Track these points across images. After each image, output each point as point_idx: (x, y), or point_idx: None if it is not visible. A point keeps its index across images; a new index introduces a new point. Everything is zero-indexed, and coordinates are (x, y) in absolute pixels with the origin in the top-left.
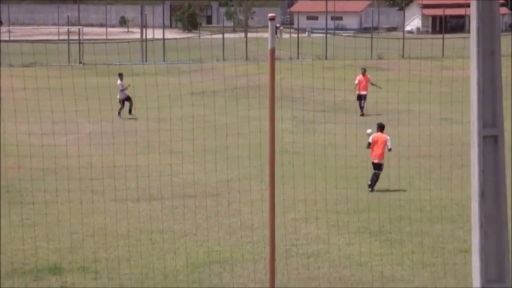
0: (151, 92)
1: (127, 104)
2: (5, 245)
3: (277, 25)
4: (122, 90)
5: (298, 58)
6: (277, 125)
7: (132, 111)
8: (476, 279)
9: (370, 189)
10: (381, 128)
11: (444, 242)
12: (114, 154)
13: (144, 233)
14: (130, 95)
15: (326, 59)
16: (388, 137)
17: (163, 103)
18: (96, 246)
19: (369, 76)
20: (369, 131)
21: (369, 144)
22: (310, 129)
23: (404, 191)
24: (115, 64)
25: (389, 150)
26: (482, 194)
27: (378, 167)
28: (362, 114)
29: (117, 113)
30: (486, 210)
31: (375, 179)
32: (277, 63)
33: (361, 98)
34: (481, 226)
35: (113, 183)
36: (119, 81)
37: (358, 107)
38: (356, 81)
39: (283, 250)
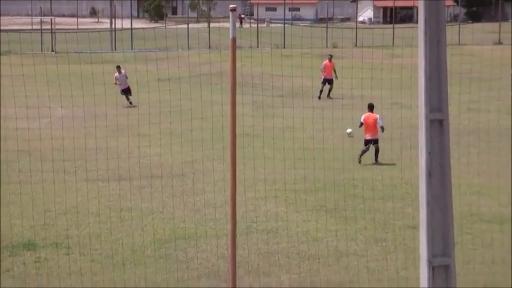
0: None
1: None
2: None
3: (242, 15)
4: (119, 84)
5: (258, 47)
6: (238, 109)
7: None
8: (423, 253)
9: (359, 160)
10: (370, 108)
11: (394, 218)
12: (85, 137)
13: (114, 211)
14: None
15: (284, 47)
16: (378, 116)
17: (131, 89)
18: (69, 223)
19: (333, 62)
20: (348, 130)
21: (361, 124)
22: (269, 114)
23: (357, 170)
24: (86, 52)
25: (382, 128)
26: (429, 174)
27: (371, 142)
28: (319, 97)
29: (129, 103)
30: (432, 189)
31: (365, 150)
32: (238, 51)
33: (325, 82)
34: (428, 204)
35: (84, 165)
36: (117, 74)
37: (319, 91)
38: (322, 67)
39: (244, 227)
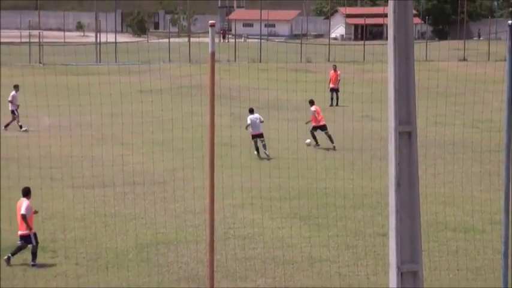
0: (104, 90)
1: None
2: None
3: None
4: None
5: (235, 61)
6: (216, 120)
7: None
8: (392, 259)
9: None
10: (311, 102)
11: (365, 226)
12: (71, 145)
13: (98, 217)
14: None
15: (260, 62)
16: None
17: (115, 99)
18: (54, 228)
19: (339, 72)
20: (307, 141)
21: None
22: (246, 125)
23: (329, 180)
24: (72, 64)
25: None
26: (398, 184)
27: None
28: (331, 105)
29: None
30: (401, 198)
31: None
32: (217, 65)
33: (332, 91)
34: (397, 212)
35: (70, 172)
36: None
37: (329, 98)
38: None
39: (222, 233)
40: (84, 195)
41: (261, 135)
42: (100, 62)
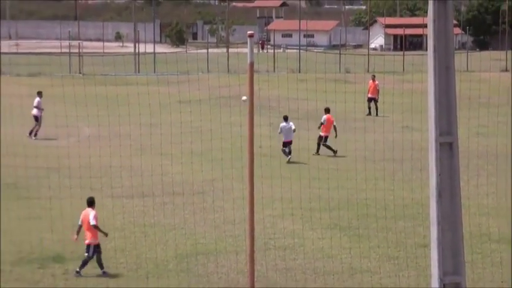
0: (143, 100)
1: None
2: (15, 236)
3: (264, 40)
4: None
5: (274, 71)
6: (256, 130)
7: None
8: (434, 271)
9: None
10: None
11: (406, 237)
12: (111, 155)
13: (138, 226)
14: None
15: (299, 72)
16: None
17: (154, 110)
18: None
19: (377, 82)
20: (243, 98)
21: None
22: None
23: (370, 191)
24: (111, 75)
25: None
26: (439, 194)
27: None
28: (368, 114)
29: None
30: (443, 209)
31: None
32: (255, 75)
33: (370, 100)
34: (439, 223)
35: (109, 182)
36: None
37: (367, 108)
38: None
39: (262, 243)
40: (123, 205)
41: (290, 143)
42: (139, 72)
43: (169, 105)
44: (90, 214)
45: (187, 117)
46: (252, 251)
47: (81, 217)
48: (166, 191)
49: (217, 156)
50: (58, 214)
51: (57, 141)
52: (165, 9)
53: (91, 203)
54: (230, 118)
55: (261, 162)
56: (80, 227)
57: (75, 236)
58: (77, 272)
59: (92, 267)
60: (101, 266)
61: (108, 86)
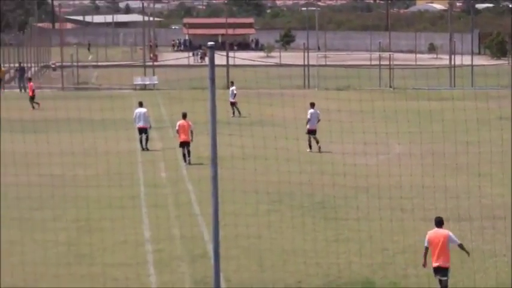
0: (459, 116)
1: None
2: (322, 258)
3: None
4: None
5: None
6: None
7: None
8: None
9: None
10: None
11: None
12: (423, 175)
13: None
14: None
15: None
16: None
17: (471, 126)
18: (406, 263)
19: None
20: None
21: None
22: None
23: None
24: (424, 89)
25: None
26: None
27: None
28: None
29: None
30: None
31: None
32: None
33: None
34: None
35: (421, 203)
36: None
37: None
38: None
39: None
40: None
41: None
42: (454, 86)
43: (489, 122)
44: (449, 234)
45: (508, 134)
46: None
47: (427, 237)
48: (486, 215)
49: None
50: (367, 237)
51: (365, 159)
52: (485, 19)
53: (439, 223)
54: None
55: None
56: (427, 249)
57: (423, 260)
58: None
59: None
60: None
61: (421, 101)
